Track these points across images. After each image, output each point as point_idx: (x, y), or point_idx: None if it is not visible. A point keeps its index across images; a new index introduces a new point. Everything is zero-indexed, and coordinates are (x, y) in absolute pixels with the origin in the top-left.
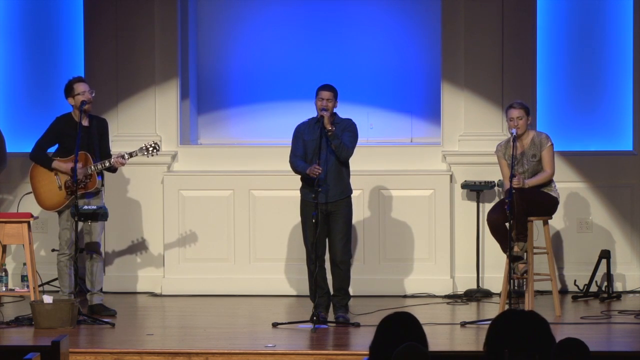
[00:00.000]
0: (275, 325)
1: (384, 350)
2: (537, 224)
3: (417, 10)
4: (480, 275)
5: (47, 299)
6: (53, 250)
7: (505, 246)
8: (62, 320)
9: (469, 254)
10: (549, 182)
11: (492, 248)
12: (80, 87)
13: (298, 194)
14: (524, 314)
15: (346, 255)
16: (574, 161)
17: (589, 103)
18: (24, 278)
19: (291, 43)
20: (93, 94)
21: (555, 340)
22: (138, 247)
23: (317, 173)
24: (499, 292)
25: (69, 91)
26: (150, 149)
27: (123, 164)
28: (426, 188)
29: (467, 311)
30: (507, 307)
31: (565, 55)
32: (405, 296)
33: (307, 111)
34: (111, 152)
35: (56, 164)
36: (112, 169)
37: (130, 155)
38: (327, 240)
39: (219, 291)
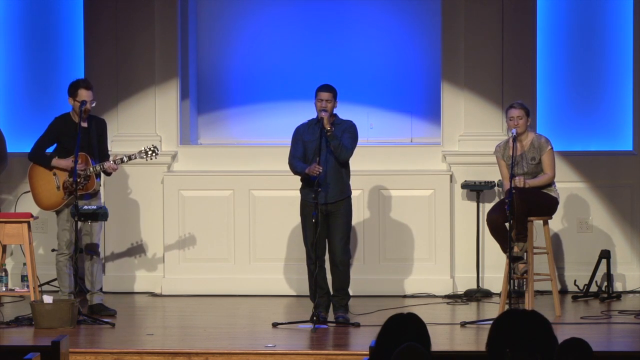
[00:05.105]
0: (275, 325)
1: (387, 350)
2: (537, 224)
3: (417, 10)
4: (480, 275)
5: (47, 299)
6: (53, 250)
7: (505, 246)
8: (62, 320)
9: (469, 254)
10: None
11: (492, 248)
12: (83, 94)
13: (298, 194)
14: (526, 313)
15: (346, 255)
16: (574, 161)
17: (589, 103)
18: (24, 278)
19: (291, 43)
20: (94, 104)
21: (557, 340)
22: (138, 247)
23: (318, 172)
24: (499, 292)
25: (72, 92)
26: (150, 152)
27: (115, 169)
28: (426, 188)
29: (467, 311)
30: (507, 307)
31: (565, 56)
32: (405, 296)
33: (307, 111)
34: (109, 153)
35: (55, 161)
36: (107, 173)
37: (130, 158)
38: (326, 240)
39: (219, 291)
